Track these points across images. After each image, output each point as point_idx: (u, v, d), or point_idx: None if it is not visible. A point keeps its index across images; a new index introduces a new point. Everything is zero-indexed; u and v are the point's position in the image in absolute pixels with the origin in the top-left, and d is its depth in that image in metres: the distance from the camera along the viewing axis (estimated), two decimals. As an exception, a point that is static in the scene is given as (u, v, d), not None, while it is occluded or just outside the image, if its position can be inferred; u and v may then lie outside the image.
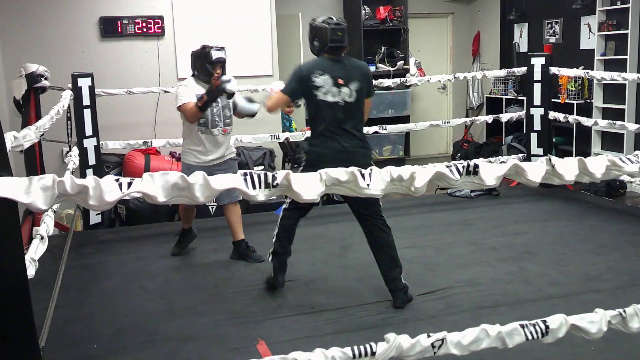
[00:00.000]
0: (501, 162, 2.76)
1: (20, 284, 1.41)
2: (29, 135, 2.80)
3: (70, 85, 5.18)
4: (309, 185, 1.49)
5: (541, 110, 6.26)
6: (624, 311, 2.01)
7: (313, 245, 4.61)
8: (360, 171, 1.56)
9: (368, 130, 6.18)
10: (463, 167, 1.57)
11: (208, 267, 4.27)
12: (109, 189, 1.32)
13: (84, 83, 5.26)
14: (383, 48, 8.20)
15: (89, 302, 3.72)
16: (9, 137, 2.25)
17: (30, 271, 2.11)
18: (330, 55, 3.50)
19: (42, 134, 3.51)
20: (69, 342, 3.17)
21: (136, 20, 6.21)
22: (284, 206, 3.79)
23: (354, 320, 3.33)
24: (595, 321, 2.00)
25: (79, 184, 1.30)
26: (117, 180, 1.34)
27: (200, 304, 3.63)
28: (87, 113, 5.29)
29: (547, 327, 1.96)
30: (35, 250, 2.39)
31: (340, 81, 3.43)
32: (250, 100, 4.28)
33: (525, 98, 6.77)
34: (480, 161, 1.68)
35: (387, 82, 6.29)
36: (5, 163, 1.45)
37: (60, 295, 3.52)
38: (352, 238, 4.78)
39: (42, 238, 2.58)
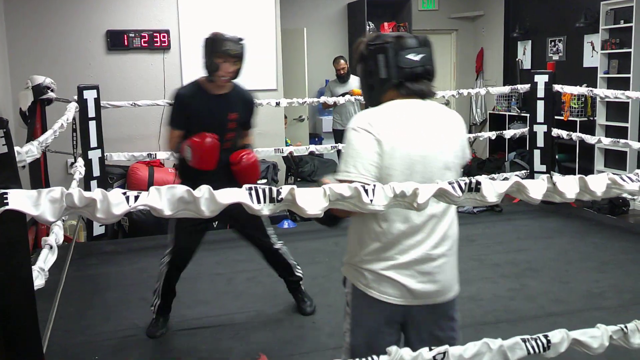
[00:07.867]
0: (504, 179, 2.76)
1: (27, 295, 1.42)
2: (31, 151, 2.82)
3: (76, 97, 5.22)
4: (312, 201, 1.51)
5: (544, 127, 6.29)
6: (626, 327, 2.01)
7: (314, 259, 4.62)
8: (364, 187, 1.57)
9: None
10: (465, 183, 1.58)
11: (210, 280, 4.28)
12: (117, 202, 1.33)
13: (89, 95, 5.29)
14: (387, 63, 8.25)
15: (90, 313, 3.73)
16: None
17: (40, 281, 2.12)
18: None
19: (47, 147, 3.54)
20: (69, 353, 3.18)
21: (142, 34, 6.28)
22: (163, 259, 3.40)
23: (356, 335, 3.32)
24: (596, 336, 2.00)
25: (87, 197, 1.31)
26: (125, 193, 1.35)
27: (202, 317, 3.63)
28: (92, 125, 5.32)
29: (548, 341, 1.96)
30: (45, 260, 2.38)
31: None
32: None
33: (528, 115, 6.80)
34: (482, 178, 1.69)
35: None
36: (15, 175, 1.48)
37: (62, 306, 3.54)
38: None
39: (52, 248, 2.57)
